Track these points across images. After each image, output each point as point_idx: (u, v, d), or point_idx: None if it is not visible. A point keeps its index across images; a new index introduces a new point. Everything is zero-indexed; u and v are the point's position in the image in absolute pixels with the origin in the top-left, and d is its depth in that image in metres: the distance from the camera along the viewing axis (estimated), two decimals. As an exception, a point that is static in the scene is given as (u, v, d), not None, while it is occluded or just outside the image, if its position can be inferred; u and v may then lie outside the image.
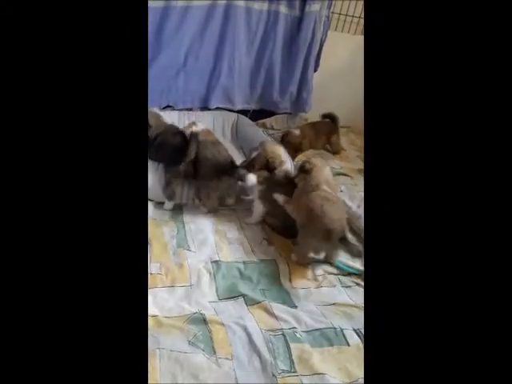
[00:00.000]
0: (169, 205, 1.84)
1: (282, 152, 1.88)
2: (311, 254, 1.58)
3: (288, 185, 1.75)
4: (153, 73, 2.33)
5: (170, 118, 2.44)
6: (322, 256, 1.60)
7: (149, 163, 1.90)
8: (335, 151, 2.65)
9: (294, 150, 2.37)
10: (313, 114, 2.85)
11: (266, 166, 1.78)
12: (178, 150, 1.84)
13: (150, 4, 2.18)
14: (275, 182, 1.78)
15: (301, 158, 2.49)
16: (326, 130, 2.62)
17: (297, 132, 2.49)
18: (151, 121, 1.89)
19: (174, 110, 2.54)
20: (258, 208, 1.82)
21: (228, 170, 1.81)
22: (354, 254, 1.64)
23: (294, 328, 1.27)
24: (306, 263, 1.59)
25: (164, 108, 2.50)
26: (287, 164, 1.86)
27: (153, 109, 2.03)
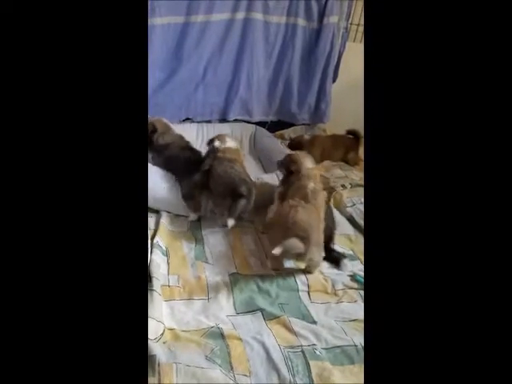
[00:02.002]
0: (194, 216, 1.85)
1: (306, 160, 1.79)
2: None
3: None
4: (172, 86, 2.38)
5: (190, 130, 2.48)
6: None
7: (165, 175, 1.92)
8: (353, 164, 2.62)
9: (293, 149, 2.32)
10: (331, 125, 2.83)
11: (287, 166, 1.80)
12: (190, 163, 1.87)
13: (171, 20, 2.24)
14: (293, 186, 1.73)
15: (320, 169, 2.47)
16: (346, 144, 2.60)
17: (306, 137, 2.52)
18: (157, 125, 1.96)
19: (193, 122, 2.57)
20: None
21: (240, 195, 1.74)
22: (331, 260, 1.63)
23: (314, 345, 1.23)
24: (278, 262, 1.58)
25: (183, 121, 2.54)
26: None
27: (162, 119, 2.09)
